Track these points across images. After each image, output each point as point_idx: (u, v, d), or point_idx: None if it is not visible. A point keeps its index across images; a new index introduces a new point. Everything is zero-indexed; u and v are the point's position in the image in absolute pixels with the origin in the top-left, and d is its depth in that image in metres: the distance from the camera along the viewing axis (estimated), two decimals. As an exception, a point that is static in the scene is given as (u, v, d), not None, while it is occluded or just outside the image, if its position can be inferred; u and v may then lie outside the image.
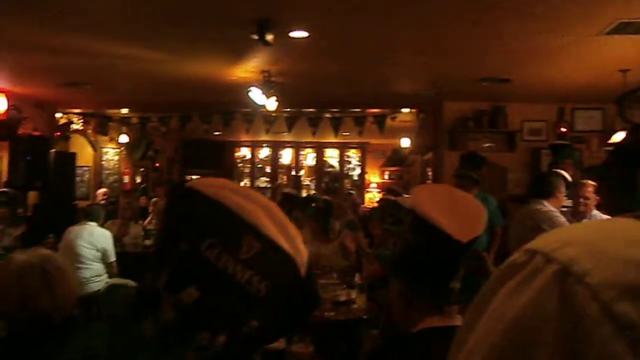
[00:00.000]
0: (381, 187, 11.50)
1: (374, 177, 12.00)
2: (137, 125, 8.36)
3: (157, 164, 11.16)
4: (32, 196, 7.04)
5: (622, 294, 0.33)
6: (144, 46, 4.70)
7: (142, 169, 11.20)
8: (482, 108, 6.61)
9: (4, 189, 6.38)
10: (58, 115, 7.98)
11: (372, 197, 11.56)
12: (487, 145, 6.62)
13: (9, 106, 6.81)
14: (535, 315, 0.36)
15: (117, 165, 10.18)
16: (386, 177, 11.73)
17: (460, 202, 1.44)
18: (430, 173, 7.53)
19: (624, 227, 0.39)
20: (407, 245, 1.41)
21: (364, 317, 3.30)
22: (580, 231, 0.41)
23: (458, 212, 1.33)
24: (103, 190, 8.58)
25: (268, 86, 5.48)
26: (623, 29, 3.69)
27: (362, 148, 11.76)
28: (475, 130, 6.62)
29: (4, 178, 6.86)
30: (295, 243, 0.78)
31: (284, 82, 5.64)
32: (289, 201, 6.52)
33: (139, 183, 11.03)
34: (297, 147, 11.90)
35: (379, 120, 7.16)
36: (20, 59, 5.29)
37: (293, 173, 12.03)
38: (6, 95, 6.77)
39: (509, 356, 0.36)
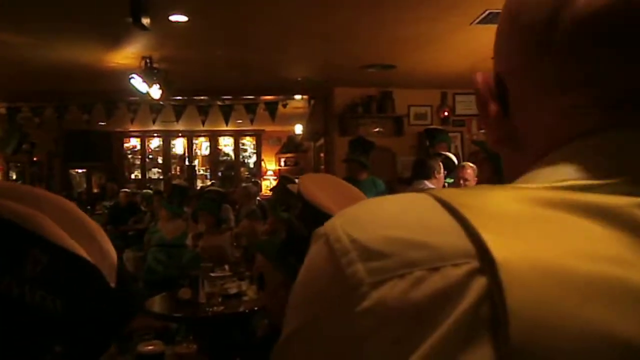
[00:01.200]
0: (277, 174, 11.49)
1: (270, 165, 11.95)
2: (4, 116, 7.60)
3: (35, 158, 10.31)
4: None
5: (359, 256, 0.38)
6: (7, 29, 4.26)
7: (17, 164, 10.29)
8: (371, 94, 6.77)
9: None
10: None
11: (269, 184, 11.52)
12: (376, 130, 6.79)
13: None
14: (306, 274, 0.43)
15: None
16: (282, 164, 11.72)
17: (345, 189, 1.42)
18: (323, 159, 7.62)
19: (406, 206, 0.41)
20: (294, 233, 1.37)
21: (256, 308, 3.25)
22: (361, 207, 0.44)
23: (344, 199, 1.32)
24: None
25: (150, 73, 5.21)
26: (492, 19, 3.92)
27: (257, 135, 11.65)
28: (364, 116, 6.77)
29: None
30: (101, 247, 0.66)
31: (168, 69, 5.39)
32: (180, 193, 6.30)
33: (15, 179, 10.13)
34: (190, 136, 11.53)
35: (271, 107, 7.09)
36: None
37: (187, 163, 11.65)
38: None
39: (300, 314, 0.43)
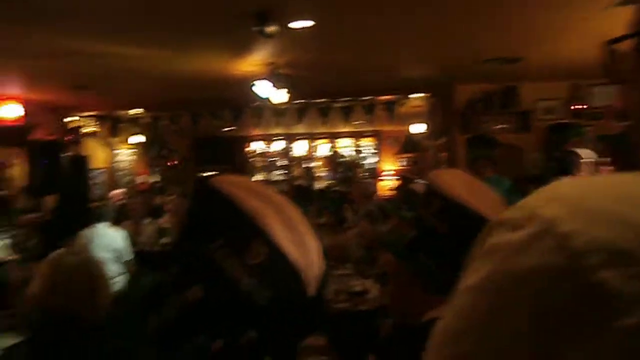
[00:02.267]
0: (396, 174, 11.42)
1: (388, 165, 11.91)
2: (148, 125, 8.40)
3: (171, 162, 11.22)
4: (49, 200, 7.12)
5: (607, 260, 0.31)
6: (149, 45, 4.70)
7: (157, 168, 11.27)
8: (494, 89, 6.50)
9: None
10: (70, 119, 8.05)
11: (388, 185, 11.50)
12: (500, 126, 6.51)
13: (24, 113, 6.89)
14: (508, 273, 0.35)
15: (131, 166, 10.26)
16: (401, 164, 11.64)
17: (475, 185, 1.40)
18: (444, 158, 7.45)
19: (617, 182, 0.36)
20: (426, 230, 1.36)
21: (380, 306, 3.27)
22: (569, 186, 0.37)
23: (481, 195, 1.30)
24: (120, 190, 8.66)
25: (276, 78, 5.45)
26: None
27: (376, 136, 11.68)
28: (486, 112, 6.52)
29: (23, 184, 6.96)
30: (310, 255, 0.72)
31: (292, 74, 5.60)
32: (302, 193, 6.51)
33: (155, 182, 11.11)
34: (310, 138, 11.86)
35: (389, 107, 7.08)
36: (32, 65, 5.33)
37: (307, 165, 12.00)
38: (21, 102, 6.85)
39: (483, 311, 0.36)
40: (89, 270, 1.75)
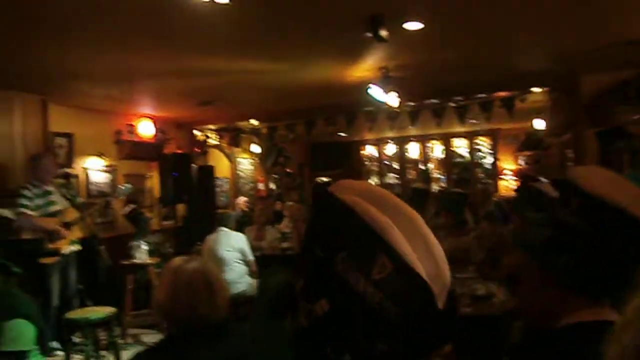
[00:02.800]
0: (516, 174, 10.87)
1: (507, 164, 11.37)
2: (266, 134, 8.78)
3: (288, 170, 11.62)
4: (180, 209, 7.70)
5: None
6: (268, 60, 4.93)
7: (275, 176, 11.73)
8: (626, 77, 5.95)
9: (133, 206, 6.99)
10: (196, 132, 8.65)
11: (508, 185, 10.97)
12: (637, 117, 5.94)
13: (156, 130, 7.53)
14: None
15: (251, 174, 10.78)
16: (521, 162, 11.05)
17: (619, 181, 1.30)
18: (570, 155, 6.95)
19: None
20: (567, 229, 1.29)
21: (506, 311, 3.13)
22: None
23: (624, 190, 1.20)
24: (244, 198, 9.13)
25: (387, 82, 5.45)
26: None
27: (493, 134, 11.21)
28: (620, 103, 5.98)
29: (157, 194, 7.60)
30: (438, 267, 0.70)
31: (403, 76, 5.57)
32: (419, 196, 6.42)
33: (273, 189, 11.57)
34: (423, 140, 11.68)
35: (507, 103, 6.76)
36: (161, 86, 5.82)
37: (421, 167, 11.82)
38: (153, 120, 7.49)
39: None
40: (207, 278, 1.87)
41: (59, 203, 5.08)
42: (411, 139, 11.66)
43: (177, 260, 1.94)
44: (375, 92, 5.51)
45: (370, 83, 5.48)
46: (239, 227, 6.16)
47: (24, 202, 4.82)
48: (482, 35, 4.55)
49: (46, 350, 3.23)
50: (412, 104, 7.07)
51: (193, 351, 1.83)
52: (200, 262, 1.97)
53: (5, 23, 3.55)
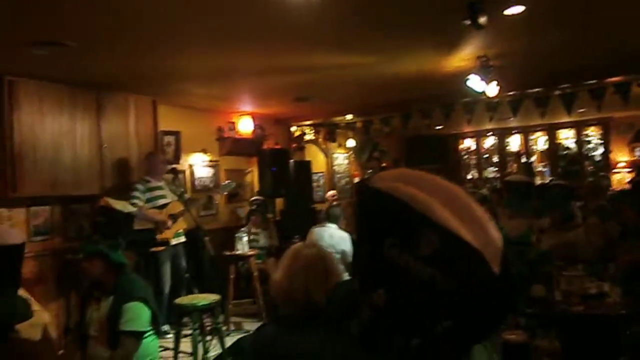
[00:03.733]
0: (630, 165, 10.05)
1: (621, 156, 10.53)
2: (361, 129, 8.79)
3: (383, 164, 11.56)
4: (278, 202, 7.92)
5: None
6: (360, 53, 4.92)
7: (369, 170, 11.72)
8: None
9: (256, 197, 7.33)
10: (293, 128, 8.85)
11: (621, 178, 10.16)
12: None
13: (255, 126, 7.80)
14: None
15: (347, 169, 10.85)
16: (637, 154, 10.19)
17: None
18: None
19: None
20: None
21: (622, 312, 2.91)
22: None
23: None
24: (332, 192, 9.23)
25: (487, 71, 5.25)
26: None
27: (604, 123, 10.43)
28: None
29: (256, 188, 7.88)
30: (487, 232, 0.67)
31: (504, 64, 5.34)
32: (521, 190, 6.12)
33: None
34: (525, 131, 11.13)
35: (622, 89, 6.25)
36: (259, 83, 6.02)
37: (523, 160, 11.27)
38: (252, 117, 7.77)
39: None
40: (325, 264, 1.93)
41: (168, 197, 5.46)
42: (512, 130, 11.15)
43: (298, 245, 2.03)
44: (474, 82, 5.32)
45: (469, 73, 5.31)
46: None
47: (137, 194, 5.25)
48: (592, 13, 4.22)
49: (159, 332, 3.46)
50: (513, 93, 6.75)
51: (302, 336, 1.88)
52: (320, 249, 2.04)
53: (120, 31, 3.85)
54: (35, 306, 2.73)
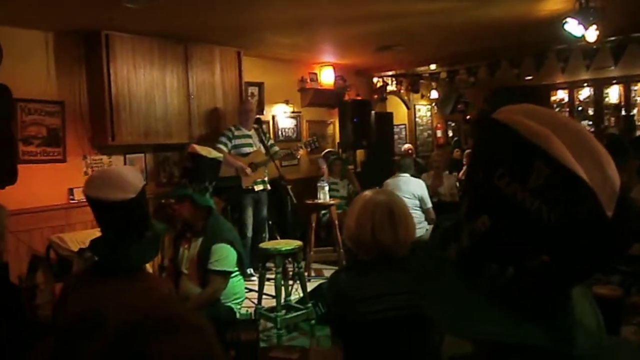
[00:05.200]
0: None
1: None
2: (445, 79, 8.52)
3: (468, 116, 11.19)
4: (359, 154, 7.95)
5: None
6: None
7: (453, 123, 11.40)
8: None
9: (330, 149, 7.40)
10: (374, 79, 8.73)
11: None
12: None
13: (336, 77, 7.78)
14: None
15: (429, 121, 10.62)
16: None
17: None
18: None
19: None
20: None
21: None
22: None
23: None
24: (408, 145, 9.10)
25: (586, 14, 4.86)
26: None
27: None
28: None
29: (337, 140, 7.93)
30: (604, 174, 0.64)
31: (605, 6, 4.91)
32: (618, 146, 5.74)
33: (451, 137, 11.28)
34: (627, 81, 10.28)
35: None
36: (341, 32, 5.95)
37: (623, 113, 10.48)
38: (334, 68, 7.74)
39: None
40: (391, 207, 1.97)
41: (254, 146, 5.64)
42: (612, 80, 10.35)
43: (368, 192, 2.08)
44: (572, 26, 4.96)
45: (565, 16, 4.95)
46: (417, 173, 6.21)
47: (224, 140, 5.48)
48: None
49: (244, 274, 3.65)
50: (615, 38, 6.23)
51: (371, 278, 1.94)
52: (389, 195, 2.08)
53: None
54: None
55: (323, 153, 7.27)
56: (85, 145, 5.30)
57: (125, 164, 5.59)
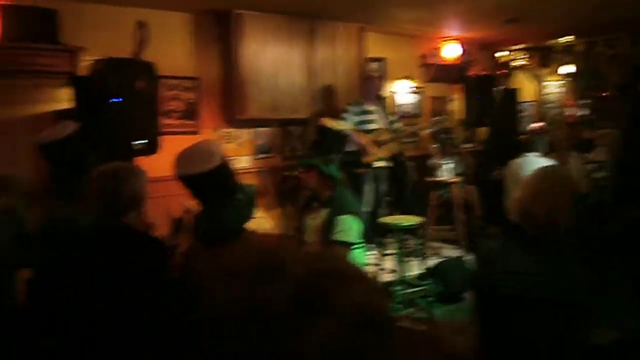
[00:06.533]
0: None
1: None
2: (580, 53, 7.89)
3: (604, 93, 10.29)
4: (481, 132, 7.66)
5: None
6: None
7: (587, 100, 10.54)
8: None
9: (441, 127, 7.16)
10: (499, 54, 8.31)
11: None
12: None
13: (460, 52, 7.53)
14: None
15: (559, 98, 9.91)
16: None
17: None
18: None
19: None
20: None
21: None
22: None
23: None
24: (538, 124, 8.55)
25: None
26: None
27: None
28: None
29: (459, 116, 7.71)
30: None
31: None
32: None
33: (583, 115, 10.46)
34: None
35: None
36: (467, 4, 5.73)
37: None
38: (459, 42, 7.49)
39: None
40: (569, 183, 1.93)
41: (376, 122, 5.66)
42: None
43: (545, 166, 2.07)
44: None
45: None
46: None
47: (347, 117, 5.53)
48: None
49: (365, 247, 3.72)
50: None
51: (528, 255, 1.89)
52: (568, 171, 2.08)
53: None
54: (260, 214, 3.15)
55: (432, 131, 7.09)
56: (217, 119, 5.65)
57: (253, 137, 5.89)
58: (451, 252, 5.76)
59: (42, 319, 2.26)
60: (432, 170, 5.96)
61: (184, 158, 2.31)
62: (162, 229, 4.95)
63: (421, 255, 4.56)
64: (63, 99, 4.60)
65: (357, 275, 0.76)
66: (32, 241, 2.84)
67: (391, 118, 5.84)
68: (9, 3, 4.35)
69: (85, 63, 4.52)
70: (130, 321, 2.19)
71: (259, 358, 0.66)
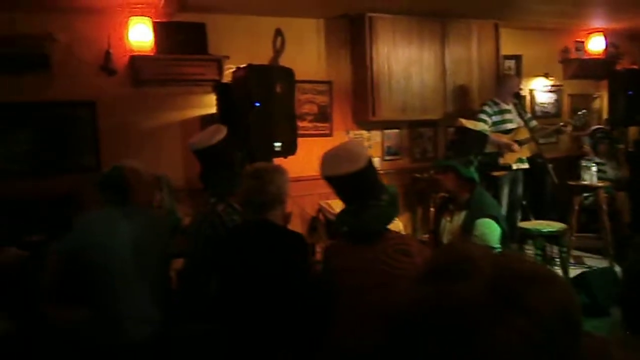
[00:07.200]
0: None
1: None
2: None
3: None
4: (632, 131, 6.99)
5: None
6: None
7: None
8: None
9: (599, 126, 6.63)
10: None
11: None
12: None
13: (606, 44, 6.94)
14: None
15: None
16: None
17: None
18: None
19: None
20: None
21: None
22: None
23: None
24: None
25: None
26: None
27: None
28: None
29: (605, 115, 7.10)
30: None
31: None
32: None
33: None
34: None
35: None
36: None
37: None
38: (603, 34, 6.92)
39: None
40: None
41: (514, 122, 5.39)
42: None
43: None
44: None
45: None
46: None
47: (483, 117, 5.31)
48: None
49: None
50: None
51: None
52: None
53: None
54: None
55: (590, 130, 6.57)
56: (348, 121, 5.74)
57: (383, 138, 5.90)
58: (596, 262, 5.32)
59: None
60: (580, 172, 5.52)
61: (330, 159, 2.37)
62: (296, 227, 5.17)
63: (565, 264, 4.25)
64: (208, 104, 4.96)
65: (550, 275, 0.74)
66: (188, 236, 3.11)
67: (527, 116, 5.53)
68: (161, 20, 4.78)
69: (227, 71, 4.83)
70: (281, 314, 2.32)
71: (448, 355, 0.66)
